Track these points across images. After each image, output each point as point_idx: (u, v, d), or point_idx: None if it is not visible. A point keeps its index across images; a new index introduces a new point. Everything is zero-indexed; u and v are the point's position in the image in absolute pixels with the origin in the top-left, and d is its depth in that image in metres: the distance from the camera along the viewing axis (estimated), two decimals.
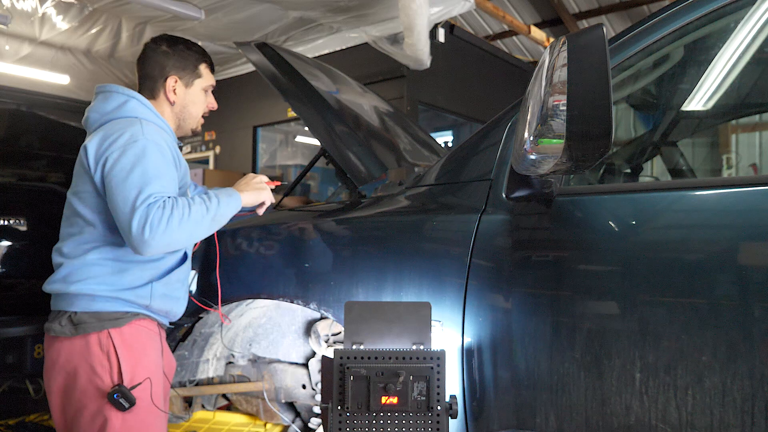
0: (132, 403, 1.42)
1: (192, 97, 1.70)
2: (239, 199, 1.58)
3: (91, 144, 1.49)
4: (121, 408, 1.42)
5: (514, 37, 8.61)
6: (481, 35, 7.94)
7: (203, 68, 1.72)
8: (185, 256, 1.64)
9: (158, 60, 1.66)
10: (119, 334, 1.47)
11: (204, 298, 1.76)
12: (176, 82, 1.67)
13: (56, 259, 1.56)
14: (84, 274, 1.49)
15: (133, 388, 1.44)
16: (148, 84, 1.67)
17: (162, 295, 1.55)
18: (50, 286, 1.53)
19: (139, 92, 1.64)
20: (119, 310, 1.49)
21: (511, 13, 7.75)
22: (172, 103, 1.67)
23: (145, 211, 1.37)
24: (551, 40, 5.29)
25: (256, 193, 1.66)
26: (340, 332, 1.86)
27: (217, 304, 1.71)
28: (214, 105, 1.76)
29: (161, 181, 1.44)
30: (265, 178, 1.71)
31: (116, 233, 1.50)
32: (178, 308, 1.63)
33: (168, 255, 1.57)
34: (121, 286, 1.49)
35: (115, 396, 1.41)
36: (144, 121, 1.55)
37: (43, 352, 1.55)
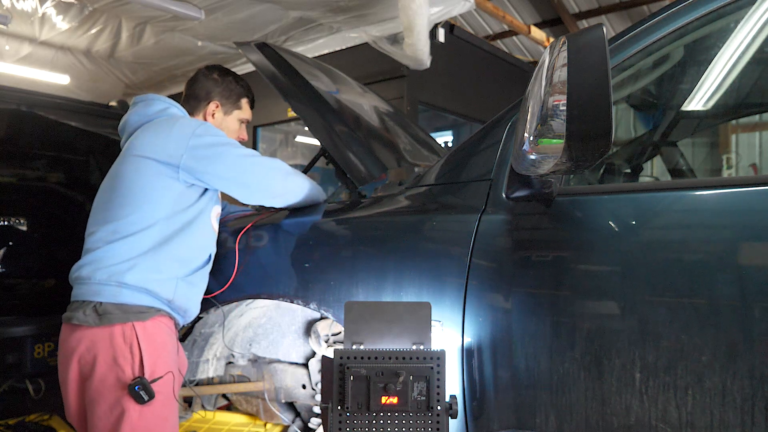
0: (151, 396, 1.44)
1: (227, 124, 1.87)
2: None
3: (150, 135, 1.62)
4: (141, 401, 1.43)
5: (514, 37, 8.61)
6: (481, 35, 7.94)
7: (244, 102, 1.90)
8: (210, 257, 1.70)
9: (206, 85, 1.83)
10: (143, 328, 1.50)
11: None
12: (217, 107, 1.84)
13: (90, 244, 1.58)
14: (114, 263, 1.52)
15: (153, 381, 1.46)
16: (192, 102, 1.83)
17: (184, 293, 1.59)
18: (78, 272, 1.55)
19: (183, 105, 1.80)
20: (144, 304, 1.52)
21: (511, 13, 7.75)
22: None
23: (276, 164, 1.67)
24: (551, 40, 5.29)
25: None
26: (340, 332, 1.86)
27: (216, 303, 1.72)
28: (244, 137, 1.92)
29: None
30: None
31: (157, 223, 1.56)
32: (194, 309, 1.67)
33: (195, 253, 1.64)
34: (148, 279, 1.52)
35: (136, 388, 1.43)
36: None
37: (58, 342, 1.58)
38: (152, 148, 1.59)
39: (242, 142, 1.85)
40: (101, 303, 1.49)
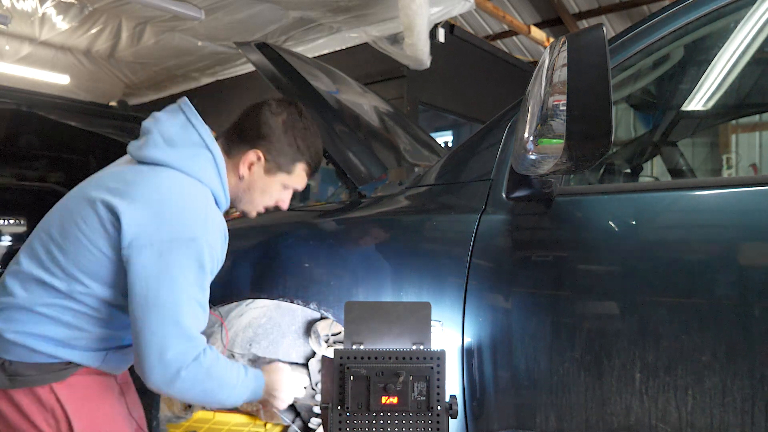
0: None
1: (266, 185, 1.40)
2: (259, 391, 1.35)
3: (135, 208, 1.18)
4: None
5: (514, 37, 8.60)
6: (481, 35, 7.94)
7: (300, 168, 1.42)
8: None
9: (263, 127, 1.36)
10: (65, 387, 1.24)
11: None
12: (259, 159, 1.37)
13: (8, 282, 1.26)
14: (32, 328, 1.22)
15: None
16: (233, 137, 1.38)
17: (116, 360, 1.33)
18: None
19: (224, 134, 1.38)
20: (62, 361, 1.24)
21: (511, 13, 7.74)
22: (240, 177, 1.38)
23: (184, 354, 1.16)
24: (551, 40, 5.29)
25: (284, 392, 1.42)
26: (340, 332, 1.86)
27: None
28: (284, 205, 1.46)
29: (203, 308, 1.23)
30: (303, 384, 1.52)
31: (97, 303, 1.24)
32: (129, 364, 1.39)
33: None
34: (70, 347, 1.25)
35: None
36: (210, 196, 1.30)
37: None
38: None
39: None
40: (11, 362, 1.22)
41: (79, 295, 1.23)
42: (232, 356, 2.09)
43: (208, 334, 1.96)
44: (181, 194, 1.24)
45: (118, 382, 1.38)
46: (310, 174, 1.45)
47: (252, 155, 1.36)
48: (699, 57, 1.79)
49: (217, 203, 1.33)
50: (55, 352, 1.23)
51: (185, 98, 1.38)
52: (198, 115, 1.34)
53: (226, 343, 1.85)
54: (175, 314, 1.17)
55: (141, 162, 1.30)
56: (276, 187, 1.42)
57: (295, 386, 1.48)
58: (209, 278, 1.25)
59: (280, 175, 1.40)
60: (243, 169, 1.37)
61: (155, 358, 1.15)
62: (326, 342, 1.87)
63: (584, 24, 7.99)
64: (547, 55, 1.06)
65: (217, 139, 1.37)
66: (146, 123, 1.34)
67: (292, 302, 1.58)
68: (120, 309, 1.27)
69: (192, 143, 1.30)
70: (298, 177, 1.43)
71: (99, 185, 1.27)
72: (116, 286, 1.23)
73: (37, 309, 1.22)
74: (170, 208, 1.21)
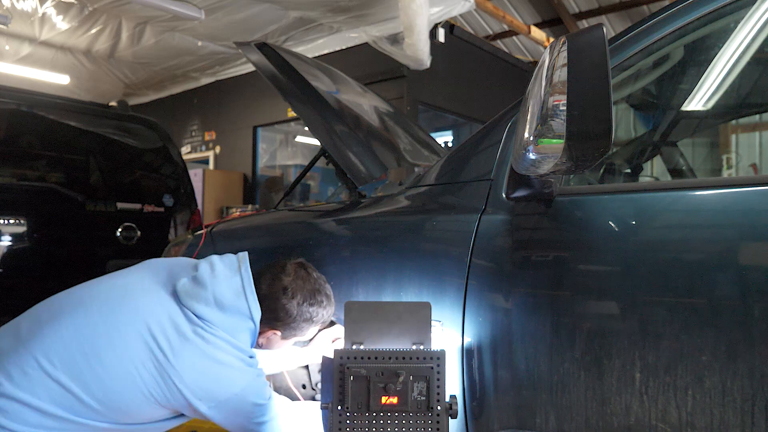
0: None
1: (280, 345, 1.55)
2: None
3: (189, 369, 1.28)
4: None
5: (514, 37, 8.61)
6: (481, 35, 7.94)
7: (312, 330, 1.54)
8: None
9: (280, 314, 1.46)
10: None
11: None
12: (275, 334, 1.50)
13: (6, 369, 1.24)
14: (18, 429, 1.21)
15: None
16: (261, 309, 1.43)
17: None
18: None
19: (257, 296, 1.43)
20: None
21: (511, 13, 7.75)
22: (260, 345, 1.53)
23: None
24: (551, 40, 5.29)
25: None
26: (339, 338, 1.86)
27: None
28: (287, 348, 1.63)
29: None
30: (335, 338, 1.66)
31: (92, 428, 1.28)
32: None
33: None
34: None
35: None
36: (241, 358, 1.38)
37: None
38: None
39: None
40: None
41: (81, 414, 1.25)
42: None
43: None
44: (224, 366, 1.33)
45: None
46: (320, 326, 1.57)
47: (269, 333, 1.49)
48: (699, 57, 1.79)
49: None
50: None
51: (246, 257, 1.46)
52: (252, 284, 1.41)
53: None
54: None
55: (190, 312, 1.36)
56: (290, 344, 1.57)
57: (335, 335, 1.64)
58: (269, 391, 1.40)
59: (294, 338, 1.54)
60: (261, 341, 1.51)
61: None
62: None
63: (584, 24, 7.99)
64: (547, 55, 1.06)
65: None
66: (203, 274, 1.40)
67: None
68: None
69: (240, 312, 1.38)
70: (309, 335, 1.56)
71: (153, 318, 1.32)
72: (141, 418, 1.31)
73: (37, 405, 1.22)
74: (219, 383, 1.32)
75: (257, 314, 1.40)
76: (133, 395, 1.26)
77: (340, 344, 1.63)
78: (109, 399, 1.25)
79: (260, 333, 1.48)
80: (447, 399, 1.18)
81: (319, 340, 1.69)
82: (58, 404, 1.23)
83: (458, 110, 6.33)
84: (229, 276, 1.40)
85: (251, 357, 1.39)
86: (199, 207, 5.76)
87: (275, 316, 1.45)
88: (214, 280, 1.38)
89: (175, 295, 1.37)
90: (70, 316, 1.30)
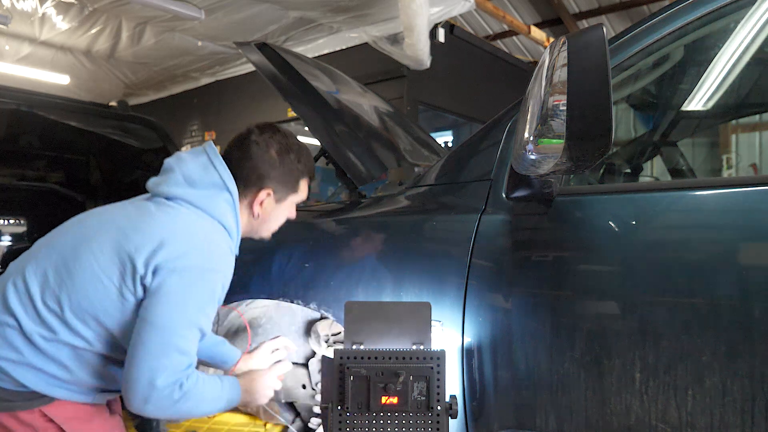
0: None
1: (279, 212, 1.47)
2: (237, 398, 1.37)
3: (156, 239, 1.22)
4: None
5: (514, 37, 8.60)
6: (481, 35, 7.94)
7: (303, 183, 1.48)
8: None
9: (258, 166, 1.39)
10: (54, 408, 1.25)
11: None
12: (269, 195, 1.42)
13: (11, 299, 1.24)
14: (24, 358, 1.21)
15: None
16: (237, 183, 1.38)
17: (102, 399, 1.35)
18: None
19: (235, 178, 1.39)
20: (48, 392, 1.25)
21: (511, 13, 7.74)
22: (254, 216, 1.43)
23: (173, 375, 1.18)
24: (551, 40, 5.29)
25: (263, 390, 1.46)
26: (340, 332, 1.86)
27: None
28: (293, 215, 1.52)
29: (202, 334, 1.26)
30: (280, 371, 1.54)
31: (93, 345, 1.25)
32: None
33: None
34: (59, 388, 1.25)
35: None
36: (227, 234, 1.35)
37: None
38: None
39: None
40: None
41: (79, 332, 1.23)
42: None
43: (232, 337, 1.95)
44: (203, 228, 1.30)
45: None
46: (311, 181, 1.52)
47: (262, 194, 1.41)
48: (699, 57, 1.79)
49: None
50: (44, 390, 1.23)
51: (210, 142, 1.43)
52: (220, 157, 1.38)
53: (249, 345, 1.85)
54: (176, 337, 1.19)
55: (161, 198, 1.34)
56: (287, 209, 1.49)
57: (271, 383, 1.50)
58: (216, 305, 1.30)
59: (290, 197, 1.47)
60: (257, 209, 1.42)
61: (145, 378, 1.16)
62: (326, 342, 1.87)
63: (584, 24, 7.99)
64: (547, 55, 1.06)
65: None
66: (169, 161, 1.39)
67: (292, 302, 1.58)
68: (115, 361, 1.29)
69: (212, 184, 1.34)
70: (303, 191, 1.50)
71: (119, 216, 1.31)
72: (118, 326, 1.24)
73: (35, 340, 1.21)
74: (194, 240, 1.26)
75: (230, 182, 1.35)
76: (96, 289, 1.21)
77: (282, 354, 1.67)
78: (79, 306, 1.22)
79: (253, 200, 1.41)
80: (447, 399, 1.18)
81: (260, 351, 1.67)
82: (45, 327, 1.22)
83: (458, 110, 6.33)
84: (194, 155, 1.38)
85: (226, 229, 1.35)
86: None
87: (259, 174, 1.39)
88: (180, 162, 1.36)
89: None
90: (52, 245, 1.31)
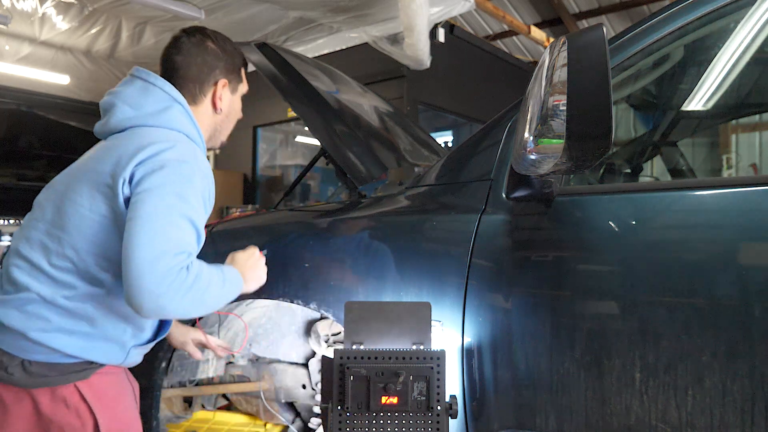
0: None
1: (236, 105, 1.50)
2: (240, 283, 1.37)
3: (122, 151, 1.22)
4: None
5: (514, 37, 8.61)
6: (481, 35, 7.94)
7: (243, 72, 1.51)
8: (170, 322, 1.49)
9: (206, 60, 1.39)
10: (88, 386, 1.25)
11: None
12: (225, 86, 1.43)
13: (20, 277, 1.23)
14: (57, 324, 1.21)
15: None
16: (190, 88, 1.39)
17: (136, 356, 1.35)
18: (3, 311, 1.22)
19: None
20: (84, 360, 1.25)
21: (511, 13, 7.75)
22: (218, 111, 1.44)
23: (175, 264, 1.13)
24: (551, 40, 5.30)
25: (257, 272, 1.46)
26: (340, 332, 1.86)
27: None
28: (240, 114, 1.55)
29: (194, 226, 1.22)
30: (256, 252, 1.49)
31: (111, 283, 1.24)
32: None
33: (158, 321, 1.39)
34: (93, 349, 1.25)
35: None
36: (191, 141, 1.34)
37: None
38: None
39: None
40: (30, 362, 1.21)
41: (95, 277, 1.23)
42: (232, 356, 2.09)
43: (229, 338, 1.95)
44: (167, 137, 1.28)
45: (129, 381, 1.39)
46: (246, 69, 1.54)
47: (219, 86, 1.42)
48: (699, 57, 1.79)
49: None
50: (80, 353, 1.22)
51: (137, 66, 1.42)
52: (149, 71, 1.36)
53: (243, 345, 1.85)
54: (167, 225, 1.16)
55: (114, 134, 1.33)
56: (239, 100, 1.52)
57: (258, 261, 1.48)
58: (201, 201, 1.26)
59: (240, 87, 1.50)
60: (218, 103, 1.43)
61: (146, 268, 1.11)
62: (326, 342, 1.88)
63: (584, 24, 7.99)
64: (547, 55, 1.06)
65: None
66: (104, 101, 1.38)
67: (292, 302, 1.58)
68: None
69: (158, 100, 1.33)
70: (245, 80, 1.52)
71: (82, 163, 1.32)
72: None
73: (59, 302, 1.20)
74: (162, 144, 1.23)
75: (175, 92, 1.34)
76: (93, 229, 1.22)
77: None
78: (86, 251, 1.22)
79: (213, 95, 1.42)
80: (447, 399, 1.18)
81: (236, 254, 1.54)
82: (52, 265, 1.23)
83: (458, 110, 6.33)
84: (127, 84, 1.37)
85: (189, 138, 1.34)
86: None
87: (210, 67, 1.40)
88: (117, 95, 1.35)
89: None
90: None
